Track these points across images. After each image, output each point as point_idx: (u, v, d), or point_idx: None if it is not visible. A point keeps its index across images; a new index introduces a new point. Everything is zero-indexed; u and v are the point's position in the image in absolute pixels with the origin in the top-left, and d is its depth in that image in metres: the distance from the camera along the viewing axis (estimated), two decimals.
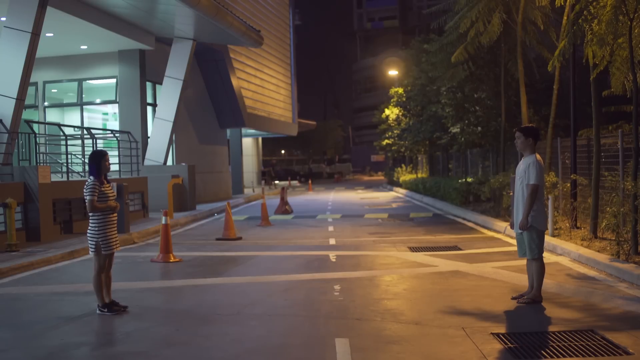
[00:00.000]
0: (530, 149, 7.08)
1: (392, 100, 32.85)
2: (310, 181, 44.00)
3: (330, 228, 15.69)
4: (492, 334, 5.83)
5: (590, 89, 11.52)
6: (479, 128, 20.04)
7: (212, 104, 27.69)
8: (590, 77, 10.97)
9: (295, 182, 50.79)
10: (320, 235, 14.27)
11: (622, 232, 9.19)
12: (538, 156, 7.05)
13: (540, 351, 5.29)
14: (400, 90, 31.18)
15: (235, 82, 27.45)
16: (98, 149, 12.42)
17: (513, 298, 7.23)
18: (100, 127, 22.09)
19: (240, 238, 13.73)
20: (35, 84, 20.60)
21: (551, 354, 5.23)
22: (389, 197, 29.14)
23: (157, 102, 21.22)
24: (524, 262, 9.82)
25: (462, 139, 20.89)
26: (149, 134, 20.90)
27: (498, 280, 8.43)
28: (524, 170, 6.98)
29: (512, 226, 7.29)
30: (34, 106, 20.92)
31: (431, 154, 31.33)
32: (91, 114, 22.01)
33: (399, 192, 32.71)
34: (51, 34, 17.30)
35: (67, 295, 8.19)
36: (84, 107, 21.27)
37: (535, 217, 6.94)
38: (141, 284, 8.87)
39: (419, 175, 33.06)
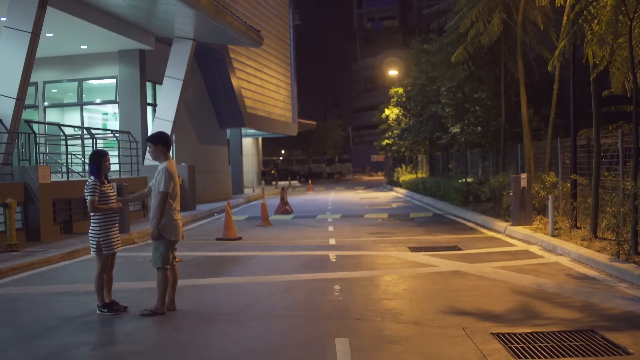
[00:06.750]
0: (163, 156, 6.91)
1: (392, 100, 32.84)
2: (310, 181, 44.02)
3: (330, 228, 15.69)
4: (492, 334, 5.83)
5: (590, 89, 11.51)
6: (479, 128, 20.05)
7: (212, 104, 27.68)
8: (590, 77, 10.96)
9: (295, 182, 50.80)
10: (320, 235, 14.26)
11: (622, 232, 9.19)
12: (169, 163, 6.86)
13: (540, 351, 5.30)
14: (400, 90, 31.18)
15: (235, 82, 27.44)
16: (98, 148, 12.41)
17: (141, 314, 6.86)
18: (100, 127, 22.08)
19: (240, 238, 13.74)
20: (35, 84, 20.59)
21: (551, 354, 5.23)
22: (389, 197, 29.13)
23: (157, 102, 21.21)
24: (524, 262, 9.89)
25: (462, 139, 20.89)
26: (149, 134, 20.86)
27: (498, 280, 8.43)
28: (155, 178, 6.83)
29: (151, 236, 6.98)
30: (34, 106, 20.91)
31: (431, 154, 31.33)
32: (91, 114, 22.00)
33: (399, 192, 32.70)
34: (51, 34, 17.30)
35: (67, 295, 8.19)
36: (84, 107, 21.26)
37: (164, 226, 6.77)
38: (141, 284, 8.86)
39: (419, 175, 33.04)
